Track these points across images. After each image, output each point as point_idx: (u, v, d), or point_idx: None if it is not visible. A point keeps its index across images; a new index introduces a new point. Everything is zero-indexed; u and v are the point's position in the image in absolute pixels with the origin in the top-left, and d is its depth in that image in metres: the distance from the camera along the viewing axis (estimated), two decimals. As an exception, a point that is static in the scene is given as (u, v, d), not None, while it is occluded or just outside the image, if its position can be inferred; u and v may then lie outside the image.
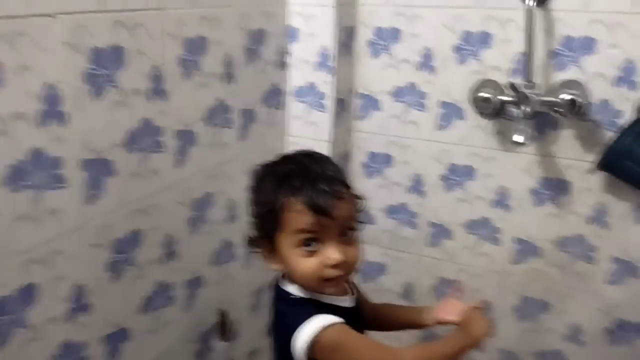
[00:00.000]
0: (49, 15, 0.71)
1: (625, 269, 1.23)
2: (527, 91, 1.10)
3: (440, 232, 1.39)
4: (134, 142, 0.88)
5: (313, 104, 1.30)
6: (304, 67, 1.29)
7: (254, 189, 0.87)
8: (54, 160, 0.75)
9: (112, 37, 0.81)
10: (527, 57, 1.11)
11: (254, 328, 1.35)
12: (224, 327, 1.17)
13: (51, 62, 0.72)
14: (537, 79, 1.15)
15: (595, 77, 1.14)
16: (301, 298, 0.85)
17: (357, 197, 0.86)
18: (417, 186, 1.38)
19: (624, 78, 1.13)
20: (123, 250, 0.90)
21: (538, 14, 1.12)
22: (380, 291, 1.50)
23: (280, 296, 0.88)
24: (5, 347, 0.73)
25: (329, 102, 1.29)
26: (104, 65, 0.80)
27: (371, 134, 1.39)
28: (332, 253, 0.80)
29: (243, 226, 1.22)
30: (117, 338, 0.92)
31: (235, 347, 1.29)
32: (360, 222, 0.88)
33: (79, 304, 0.83)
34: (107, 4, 0.79)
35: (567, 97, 1.11)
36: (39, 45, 0.70)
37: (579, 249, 1.26)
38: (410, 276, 1.46)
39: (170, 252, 1.01)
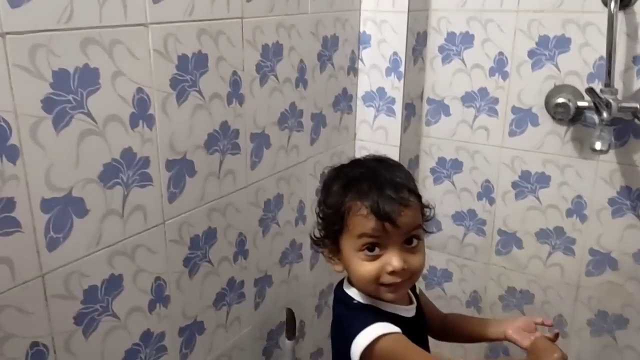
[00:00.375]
0: (143, 25, 0.76)
1: None
2: (607, 96, 1.06)
3: (509, 241, 1.36)
4: (213, 144, 0.92)
5: (382, 108, 1.31)
6: (374, 73, 1.30)
7: (323, 190, 0.90)
8: (142, 159, 0.80)
9: (197, 44, 0.85)
10: (607, 62, 1.07)
11: (318, 328, 1.38)
12: (290, 326, 1.20)
13: (142, 68, 0.77)
14: (618, 84, 1.11)
15: (682, 82, 1.08)
16: (362, 304, 0.86)
17: (425, 205, 0.86)
18: (486, 193, 1.35)
19: None
20: (199, 247, 0.94)
21: (621, 17, 1.08)
22: (444, 298, 1.48)
23: (342, 300, 0.89)
24: (94, 333, 0.78)
25: (398, 107, 1.29)
26: (189, 71, 0.85)
27: (440, 139, 1.38)
28: (392, 260, 0.80)
29: (310, 228, 1.25)
30: (191, 330, 0.96)
31: (300, 347, 1.32)
32: (427, 231, 0.88)
33: (159, 296, 0.88)
34: (194, 13, 0.83)
35: (652, 103, 1.06)
36: (132, 52, 0.75)
37: (661, 262, 1.20)
38: (477, 284, 1.44)
39: (242, 250, 1.05)
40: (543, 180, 1.28)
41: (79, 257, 0.74)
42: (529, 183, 1.30)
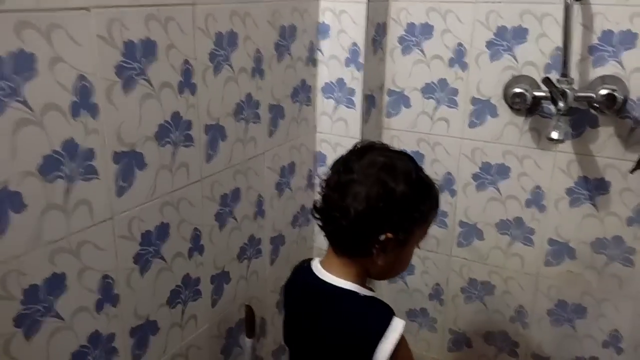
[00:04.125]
0: (85, 9, 0.72)
1: (666, 273, 1.18)
2: (563, 86, 1.06)
3: (470, 232, 1.36)
4: (164, 135, 0.88)
5: (342, 100, 1.29)
6: (333, 63, 1.28)
7: (423, 188, 0.86)
8: (86, 151, 0.76)
9: (145, 30, 0.81)
10: (563, 52, 1.07)
11: (279, 326, 1.35)
12: (250, 324, 1.17)
13: (84, 54, 0.73)
14: (575, 74, 1.12)
15: (635, 72, 1.10)
16: (371, 297, 0.86)
17: None
18: (448, 185, 1.35)
19: (667, 73, 1.08)
20: (151, 243, 0.90)
21: (577, 8, 1.09)
22: (407, 292, 1.48)
23: (344, 297, 0.85)
24: (36, 335, 0.74)
25: (358, 99, 1.27)
26: (136, 59, 0.81)
27: (401, 131, 1.37)
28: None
29: (269, 222, 1.23)
30: (144, 330, 0.92)
31: (261, 344, 1.29)
32: None
33: (107, 295, 0.84)
34: (140, -3, 0.79)
35: (605, 92, 1.07)
36: (73, 37, 0.71)
37: (617, 251, 1.22)
38: (439, 277, 1.44)
39: (197, 246, 1.01)
40: (503, 171, 1.29)
41: (16, 255, 0.69)
42: (489, 174, 1.30)
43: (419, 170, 0.87)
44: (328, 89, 1.30)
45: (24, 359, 0.72)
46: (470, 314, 1.43)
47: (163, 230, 0.92)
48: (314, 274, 0.88)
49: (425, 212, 0.86)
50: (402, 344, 0.82)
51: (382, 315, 0.83)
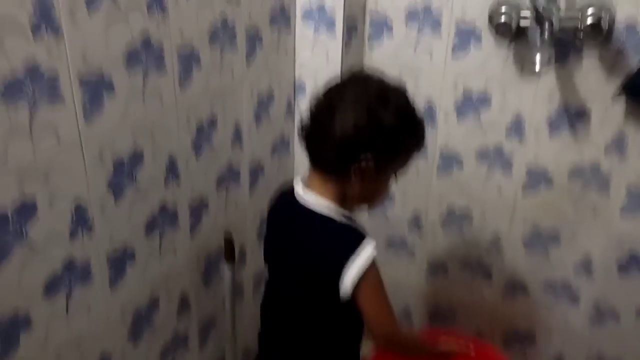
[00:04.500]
0: None
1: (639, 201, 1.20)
2: (549, 13, 1.03)
3: (450, 162, 1.37)
4: (134, 59, 0.85)
5: (322, 27, 1.24)
6: (313, -13, 1.22)
7: (403, 116, 0.86)
8: (50, 73, 0.72)
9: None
10: (551, -27, 1.03)
11: (258, 254, 1.37)
12: (229, 251, 1.18)
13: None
14: (561, 2, 1.08)
15: (623, -3, 1.06)
16: (346, 223, 0.87)
17: None
18: (429, 114, 1.33)
19: (655, -3, 1.05)
20: (124, 170, 0.88)
21: None
22: (387, 221, 1.50)
23: (319, 218, 0.87)
24: (7, 262, 0.73)
25: (339, 26, 1.23)
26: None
27: (383, 60, 1.34)
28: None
29: (248, 152, 1.21)
30: (121, 258, 0.93)
31: (242, 272, 1.31)
32: None
33: (82, 223, 0.83)
34: None
35: (591, 20, 1.04)
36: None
37: (594, 179, 1.23)
38: (419, 206, 1.45)
39: (174, 174, 1.00)
40: (484, 100, 1.27)
41: (-19, 181, 0.67)
42: (471, 103, 1.29)
43: (412, 105, 0.88)
44: (308, 15, 1.25)
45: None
46: (448, 242, 1.45)
47: (137, 158, 0.91)
48: (295, 193, 0.90)
49: (409, 145, 0.88)
50: (371, 270, 0.83)
51: (352, 239, 0.85)
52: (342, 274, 0.83)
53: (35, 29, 0.69)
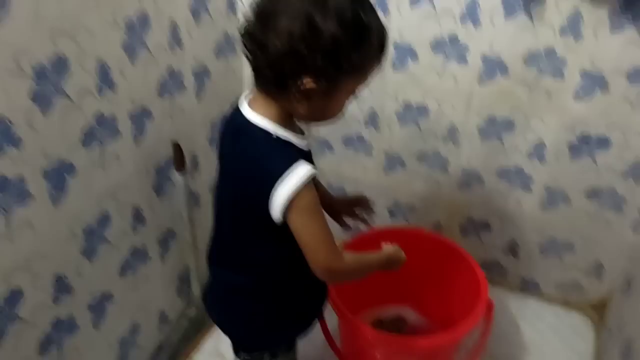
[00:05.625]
0: None
1: (594, 83, 1.19)
2: None
3: (404, 54, 1.31)
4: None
5: None
6: None
7: (361, 35, 0.73)
8: None
9: None
10: None
11: (213, 160, 1.33)
12: (179, 159, 1.13)
13: None
14: None
15: None
16: (281, 139, 0.78)
17: None
18: (380, 3, 1.26)
19: None
20: (48, 79, 0.81)
21: None
22: (343, 119, 1.46)
23: (257, 133, 0.78)
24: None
25: None
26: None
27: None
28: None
29: (189, 53, 1.13)
30: (59, 172, 0.87)
31: (196, 179, 1.27)
32: None
33: (8, 138, 0.77)
34: None
35: None
36: None
37: (549, 64, 1.20)
38: (374, 102, 1.41)
39: (107, 81, 0.92)
40: (437, -16, 1.20)
41: None
42: (422, -12, 1.22)
43: (361, 8, 0.73)
44: None
45: None
46: (405, 137, 1.44)
47: (60, 65, 0.82)
48: (239, 108, 0.82)
49: (357, 61, 0.74)
50: (303, 193, 0.74)
51: (286, 158, 0.76)
52: (271, 194, 0.75)
53: None
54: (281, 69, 0.73)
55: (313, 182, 0.76)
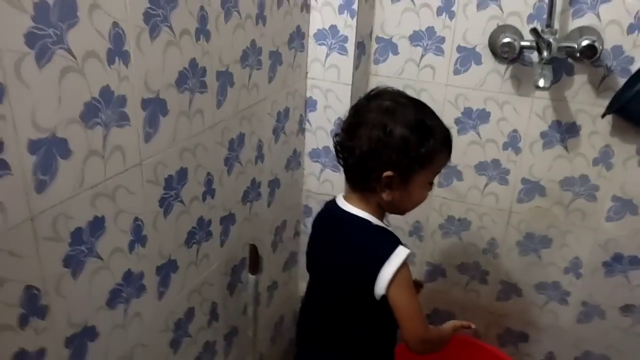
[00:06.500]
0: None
1: (624, 207, 1.33)
2: (547, 36, 1.14)
3: (450, 174, 1.47)
4: (183, 82, 0.90)
5: (334, 46, 1.33)
6: (326, 10, 1.30)
7: (403, 128, 0.91)
8: (120, 98, 0.77)
9: (167, -24, 0.81)
10: (549, 3, 1.15)
11: (273, 263, 1.43)
12: (254, 261, 1.23)
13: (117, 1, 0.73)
14: (556, 25, 1.20)
15: (611, 24, 1.19)
16: (380, 226, 0.95)
17: None
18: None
19: (637, 26, 1.18)
20: (173, 187, 0.94)
21: (561, -39, 1.16)
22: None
23: (359, 224, 0.96)
24: (81, 274, 0.77)
25: (351, 45, 1.31)
26: (160, 5, 0.81)
27: (388, 77, 1.43)
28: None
29: (267, 166, 1.28)
30: (167, 268, 0.97)
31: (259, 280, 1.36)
32: None
33: (138, 236, 0.88)
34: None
35: (586, 42, 1.16)
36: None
37: (583, 188, 1.35)
38: (420, 215, 1.54)
39: (210, 189, 1.06)
40: (483, 116, 1.38)
41: (64, 199, 0.72)
42: (470, 119, 1.39)
43: (424, 115, 0.95)
44: (321, 36, 1.33)
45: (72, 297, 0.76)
46: (446, 247, 1.55)
47: (182, 175, 0.96)
48: (337, 204, 0.98)
49: (425, 153, 0.92)
50: (403, 269, 0.91)
51: (389, 242, 0.94)
52: (379, 273, 0.91)
53: (110, 59, 0.74)
54: (365, 165, 0.93)
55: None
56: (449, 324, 1.06)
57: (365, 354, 1.03)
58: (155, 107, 0.85)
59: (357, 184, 0.97)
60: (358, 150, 0.92)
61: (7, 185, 0.63)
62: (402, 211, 1.00)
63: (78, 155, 0.72)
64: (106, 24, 0.73)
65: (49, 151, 0.68)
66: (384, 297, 0.92)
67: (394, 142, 0.90)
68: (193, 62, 0.92)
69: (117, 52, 0.75)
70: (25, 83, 0.62)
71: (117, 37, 0.75)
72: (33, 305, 0.71)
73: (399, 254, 0.92)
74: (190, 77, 0.92)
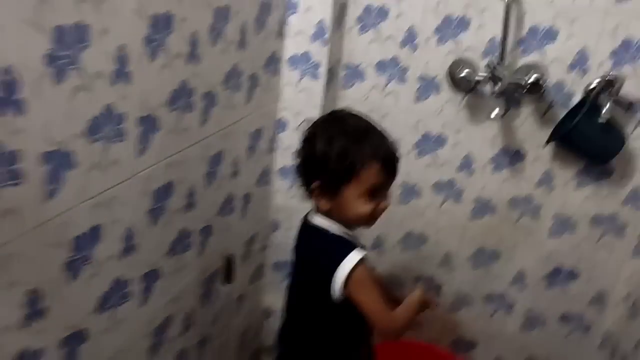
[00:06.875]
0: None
1: (564, 224, 1.48)
2: (500, 71, 1.28)
3: (410, 192, 1.58)
4: (174, 102, 0.97)
5: (307, 72, 1.42)
6: (299, 38, 1.40)
7: (327, 142, 0.98)
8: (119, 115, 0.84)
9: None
10: (502, 42, 1.29)
11: (244, 274, 1.49)
12: (228, 271, 1.30)
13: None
14: (506, 61, 1.34)
15: (554, 61, 1.34)
16: (337, 235, 1.03)
17: None
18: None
19: (577, 64, 1.34)
20: (160, 199, 1.00)
21: (513, 5, 1.30)
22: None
23: (319, 233, 1.04)
24: (76, 280, 0.82)
25: (322, 71, 1.41)
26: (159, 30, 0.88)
27: (355, 101, 1.53)
28: (387, 201, 1.04)
29: (241, 182, 1.35)
30: (151, 278, 1.03)
31: (230, 290, 1.42)
32: None
33: (128, 244, 0.93)
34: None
35: (533, 79, 1.31)
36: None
37: (528, 207, 1.50)
38: (380, 230, 1.65)
39: (192, 201, 1.12)
40: (440, 141, 1.51)
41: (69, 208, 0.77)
42: (428, 143, 1.52)
43: (356, 133, 1.00)
44: (293, 61, 1.42)
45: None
46: (405, 261, 1.66)
47: (168, 189, 1.02)
48: (307, 217, 1.09)
49: (347, 168, 0.98)
50: (358, 269, 0.98)
51: (343, 248, 1.01)
52: (333, 277, 0.99)
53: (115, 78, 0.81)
54: (301, 175, 1.05)
55: (365, 265, 1.00)
56: (414, 296, 1.12)
57: (333, 351, 1.11)
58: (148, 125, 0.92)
59: (305, 194, 1.07)
60: (297, 161, 1.05)
61: (21, 192, 0.68)
62: (350, 222, 1.05)
63: (83, 167, 0.78)
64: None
65: (59, 162, 0.73)
66: (347, 299, 1.00)
67: (317, 155, 1.00)
68: (183, 83, 0.99)
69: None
70: (42, 99, 0.68)
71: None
72: (35, 307, 0.75)
73: (351, 259, 0.99)
74: (180, 98, 0.99)
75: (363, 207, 1.01)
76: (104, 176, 0.83)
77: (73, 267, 0.81)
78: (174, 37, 0.93)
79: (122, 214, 0.90)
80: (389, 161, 1.01)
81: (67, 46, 0.71)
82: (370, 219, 1.04)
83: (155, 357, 1.11)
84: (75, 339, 0.85)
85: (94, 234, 0.84)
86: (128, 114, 0.86)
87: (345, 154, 0.98)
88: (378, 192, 1.01)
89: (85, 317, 0.87)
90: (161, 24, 0.89)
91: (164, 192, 1.01)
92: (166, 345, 1.14)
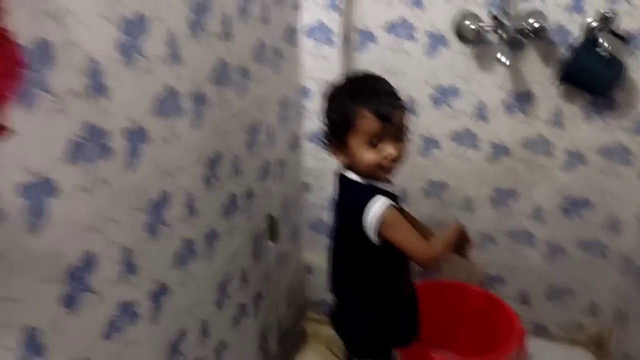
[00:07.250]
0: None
1: (575, 159, 1.59)
2: (505, 20, 1.37)
3: (430, 144, 1.69)
4: (215, 78, 1.08)
5: (323, 40, 1.52)
6: (314, 8, 1.50)
7: (330, 101, 1.11)
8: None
9: None
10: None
11: (285, 234, 1.62)
12: (273, 231, 1.42)
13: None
14: (509, 9, 1.43)
15: (552, 5, 1.43)
16: (364, 184, 1.13)
17: (406, 107, 1.13)
18: (410, 106, 1.65)
19: (574, 5, 1.43)
20: (212, 167, 1.12)
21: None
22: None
23: (347, 183, 1.15)
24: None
25: (338, 38, 1.51)
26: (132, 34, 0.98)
27: (370, 63, 1.63)
28: (389, 149, 1.08)
29: (276, 147, 1.46)
30: (211, 238, 1.15)
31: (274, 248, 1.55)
32: (407, 127, 1.14)
33: (189, 208, 1.05)
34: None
35: (536, 24, 1.40)
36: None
37: (541, 146, 1.60)
38: (405, 183, 1.76)
39: (237, 169, 1.24)
40: (453, 92, 1.61)
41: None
42: (442, 95, 1.62)
43: (349, 86, 1.11)
44: (310, 31, 1.52)
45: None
46: (428, 208, 1.78)
47: (218, 158, 1.14)
48: (340, 171, 1.19)
49: (341, 119, 1.08)
50: (387, 212, 1.06)
51: (364, 194, 1.10)
52: (363, 218, 1.07)
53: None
54: (323, 136, 1.16)
55: (396, 210, 1.10)
56: (452, 226, 1.20)
57: (377, 289, 1.21)
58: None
59: (328, 153, 1.17)
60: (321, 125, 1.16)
61: (111, 165, 0.80)
62: (364, 171, 1.11)
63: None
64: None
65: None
66: (386, 241, 1.10)
67: (325, 115, 1.12)
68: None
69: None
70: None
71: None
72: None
73: (376, 202, 1.07)
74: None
75: (367, 155, 1.07)
76: (172, 149, 0.95)
77: (152, 229, 0.93)
78: (209, 17, 1.03)
79: (184, 181, 1.02)
80: (379, 109, 1.05)
81: (133, 35, 0.81)
82: (380, 167, 1.09)
83: (221, 310, 1.24)
84: (161, 292, 0.98)
85: (164, 200, 0.96)
86: (183, 91, 0.97)
87: (341, 108, 1.08)
88: (379, 140, 1.07)
89: (166, 272, 0.99)
90: (200, 7, 0.99)
91: (215, 160, 1.13)
92: (227, 300, 1.27)
